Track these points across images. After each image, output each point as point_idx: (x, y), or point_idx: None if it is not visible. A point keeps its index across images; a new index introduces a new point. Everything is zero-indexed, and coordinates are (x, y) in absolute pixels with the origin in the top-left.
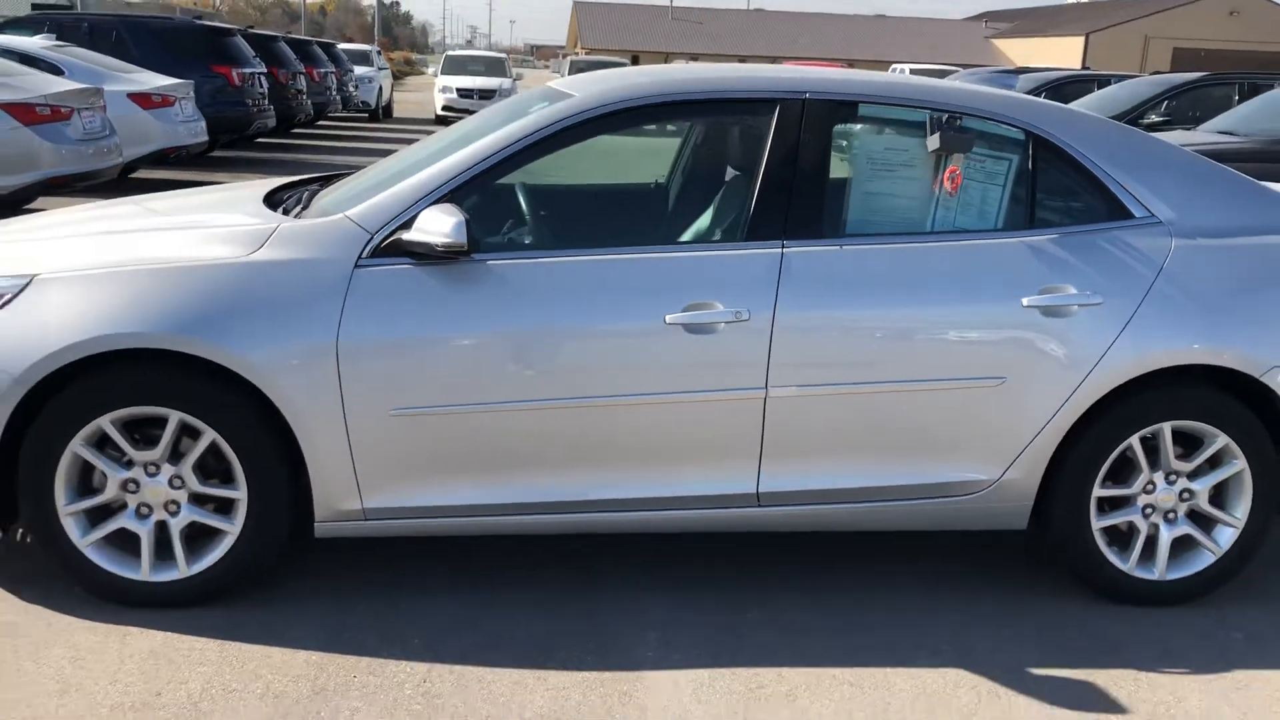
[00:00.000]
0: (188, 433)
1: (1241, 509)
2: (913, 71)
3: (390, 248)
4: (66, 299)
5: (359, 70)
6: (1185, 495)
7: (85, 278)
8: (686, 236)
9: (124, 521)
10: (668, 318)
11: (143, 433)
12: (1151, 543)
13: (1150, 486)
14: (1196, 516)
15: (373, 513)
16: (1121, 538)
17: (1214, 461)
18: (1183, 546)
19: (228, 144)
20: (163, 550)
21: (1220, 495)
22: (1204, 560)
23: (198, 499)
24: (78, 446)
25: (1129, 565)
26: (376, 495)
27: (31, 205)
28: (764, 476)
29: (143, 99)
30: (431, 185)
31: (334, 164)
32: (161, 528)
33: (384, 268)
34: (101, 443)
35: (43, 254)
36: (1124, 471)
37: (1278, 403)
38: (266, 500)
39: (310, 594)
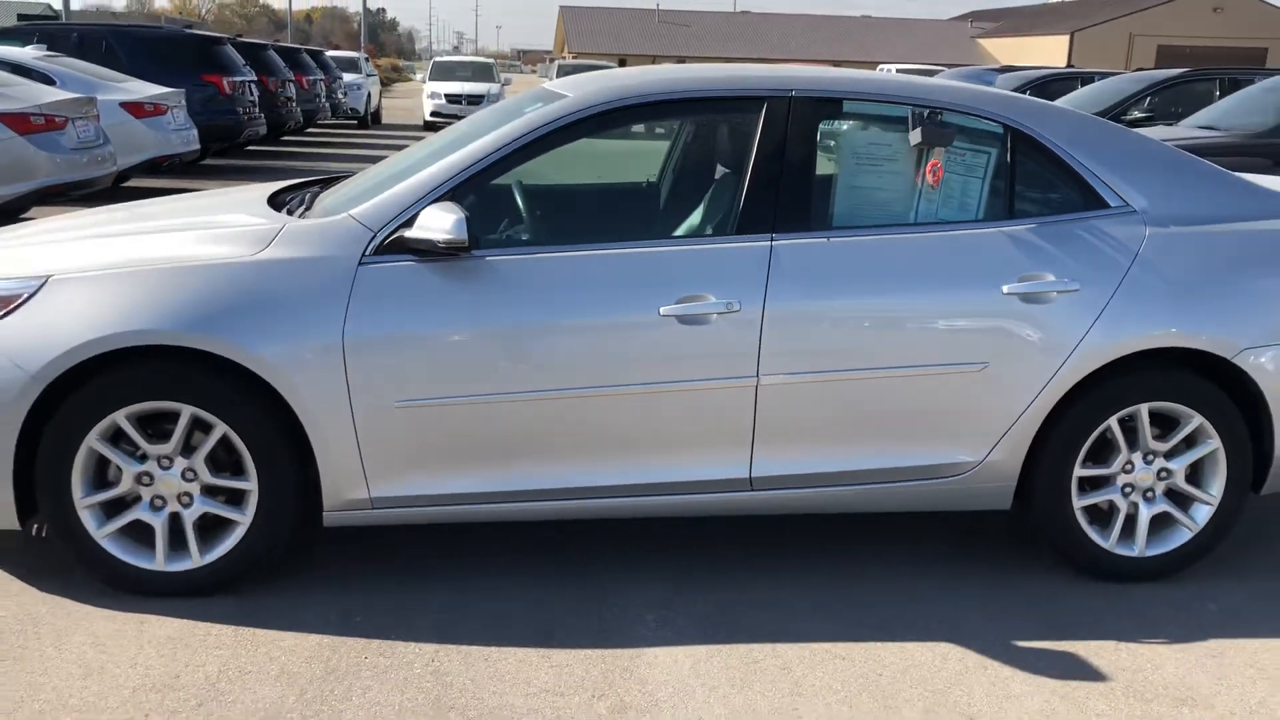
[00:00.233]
0: (199, 426)
1: (1216, 487)
2: (899, 71)
3: (393, 245)
4: (81, 298)
5: (347, 77)
6: (1163, 474)
7: (99, 278)
8: (679, 231)
9: (139, 513)
10: (662, 310)
11: (155, 427)
12: (1131, 520)
13: (1129, 466)
14: (1174, 495)
15: (379, 501)
16: (1102, 516)
17: (1190, 441)
18: (1161, 524)
19: (219, 152)
20: (176, 541)
21: (1196, 474)
22: (1181, 537)
23: (210, 491)
24: (94, 441)
25: (1109, 543)
26: (383, 485)
27: (26, 215)
28: (756, 462)
29: (135, 108)
30: (432, 184)
31: (325, 170)
32: (175, 519)
33: (387, 265)
34: (116, 437)
35: (56, 255)
36: (1103, 452)
37: (1249, 383)
38: (276, 491)
39: (319, 581)
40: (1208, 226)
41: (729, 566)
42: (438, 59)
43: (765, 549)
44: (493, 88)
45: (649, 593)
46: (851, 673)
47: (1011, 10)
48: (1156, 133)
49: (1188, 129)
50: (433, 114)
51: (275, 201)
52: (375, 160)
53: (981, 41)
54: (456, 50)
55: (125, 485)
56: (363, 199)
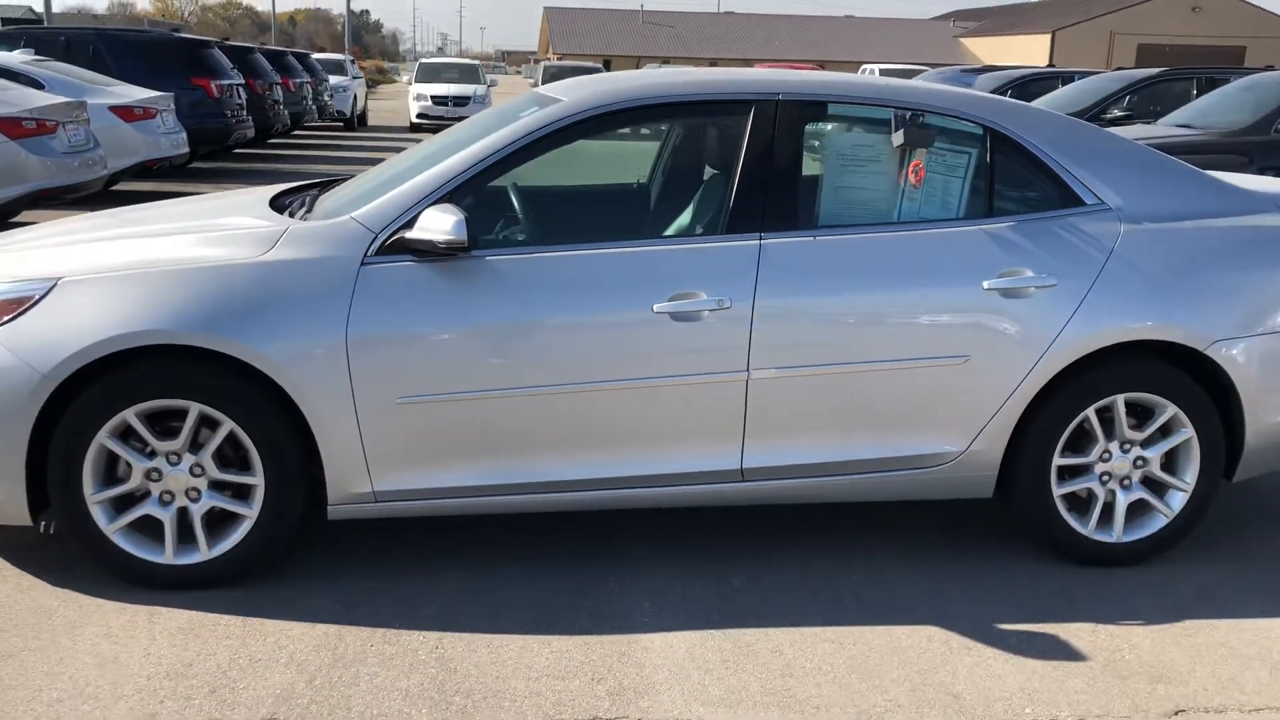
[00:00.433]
0: (206, 424)
1: (1191, 474)
2: (882, 72)
3: (394, 246)
4: (91, 300)
5: (333, 79)
6: (1139, 462)
7: (109, 279)
8: (671, 231)
9: (148, 508)
10: (655, 307)
11: (163, 424)
12: (1109, 507)
13: (1106, 455)
14: (1150, 482)
15: (382, 495)
16: (1081, 503)
17: (1164, 430)
18: (1138, 510)
19: (206, 155)
20: (185, 535)
21: (1171, 462)
22: (1157, 523)
23: (217, 485)
24: (104, 438)
25: (1088, 529)
26: (385, 479)
27: (16, 219)
28: (747, 453)
29: (125, 112)
30: (431, 187)
31: (313, 172)
32: (183, 513)
33: (388, 265)
34: (126, 434)
35: (66, 258)
36: (1082, 441)
37: (1221, 374)
38: (282, 485)
39: (324, 573)
40: (1180, 223)
41: (720, 556)
42: (423, 61)
43: (755, 539)
44: (479, 89)
45: (643, 581)
46: (841, 655)
47: (993, 9)
48: (1135, 131)
49: (1166, 127)
50: (419, 116)
51: (277, 204)
52: (362, 162)
53: (964, 41)
54: (441, 52)
55: (135, 481)
56: (362, 201)
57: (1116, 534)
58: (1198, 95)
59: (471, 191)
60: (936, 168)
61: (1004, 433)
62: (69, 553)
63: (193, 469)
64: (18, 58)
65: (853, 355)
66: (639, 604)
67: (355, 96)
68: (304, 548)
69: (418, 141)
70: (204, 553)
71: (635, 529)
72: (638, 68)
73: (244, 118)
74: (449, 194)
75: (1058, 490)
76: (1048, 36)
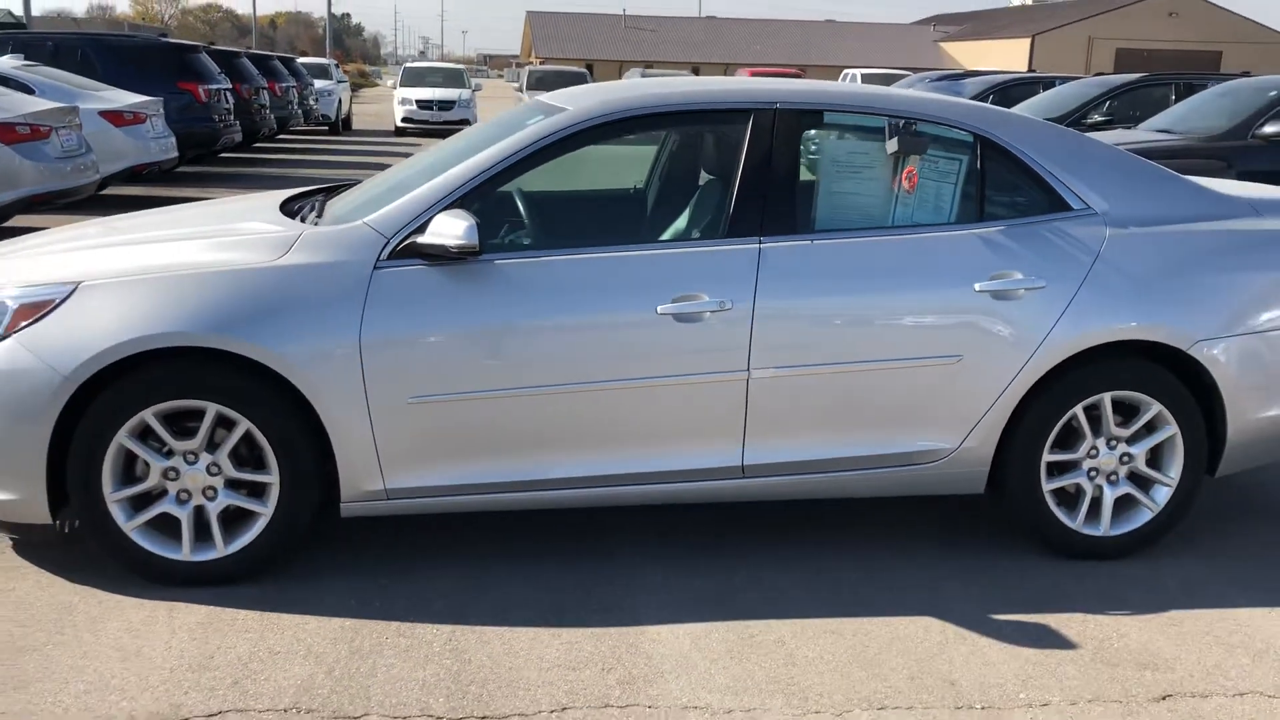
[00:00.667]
0: (222, 423)
1: (1175, 470)
2: (864, 76)
3: (405, 250)
4: (111, 303)
5: (319, 84)
6: (1125, 459)
7: (128, 283)
8: (673, 235)
9: (165, 506)
10: (659, 308)
11: (180, 425)
12: (1096, 502)
13: (1094, 451)
14: (1136, 478)
15: (394, 492)
16: (1069, 498)
17: (1150, 427)
18: (1124, 505)
19: (193, 159)
20: (201, 532)
21: (1156, 458)
22: (1143, 517)
23: (233, 484)
24: (123, 438)
25: (1077, 523)
26: (397, 476)
27: (9, 225)
28: (748, 450)
29: (115, 116)
30: (442, 193)
31: (300, 176)
32: (199, 511)
33: (400, 269)
34: (144, 434)
35: (84, 262)
36: (1070, 438)
37: (1203, 373)
38: (296, 483)
39: (338, 569)
40: (1163, 227)
41: (722, 552)
42: (408, 65)
43: (756, 535)
44: (463, 93)
45: (648, 576)
46: (842, 645)
47: (973, 14)
48: (1115, 136)
49: (1145, 132)
50: (404, 120)
51: (286, 209)
52: (348, 166)
53: (944, 45)
54: (423, 55)
55: (153, 480)
56: (371, 207)
57: (1104, 528)
58: (1176, 100)
59: (480, 197)
60: (929, 174)
61: (995, 430)
62: (86, 551)
63: (209, 468)
64: (8, 63)
65: (850, 355)
66: (642, 598)
67: (340, 101)
68: (315, 545)
69: (403, 145)
70: (220, 550)
71: (637, 526)
72: (620, 72)
73: (231, 122)
74: (459, 200)
75: (1047, 486)
76: (1027, 41)
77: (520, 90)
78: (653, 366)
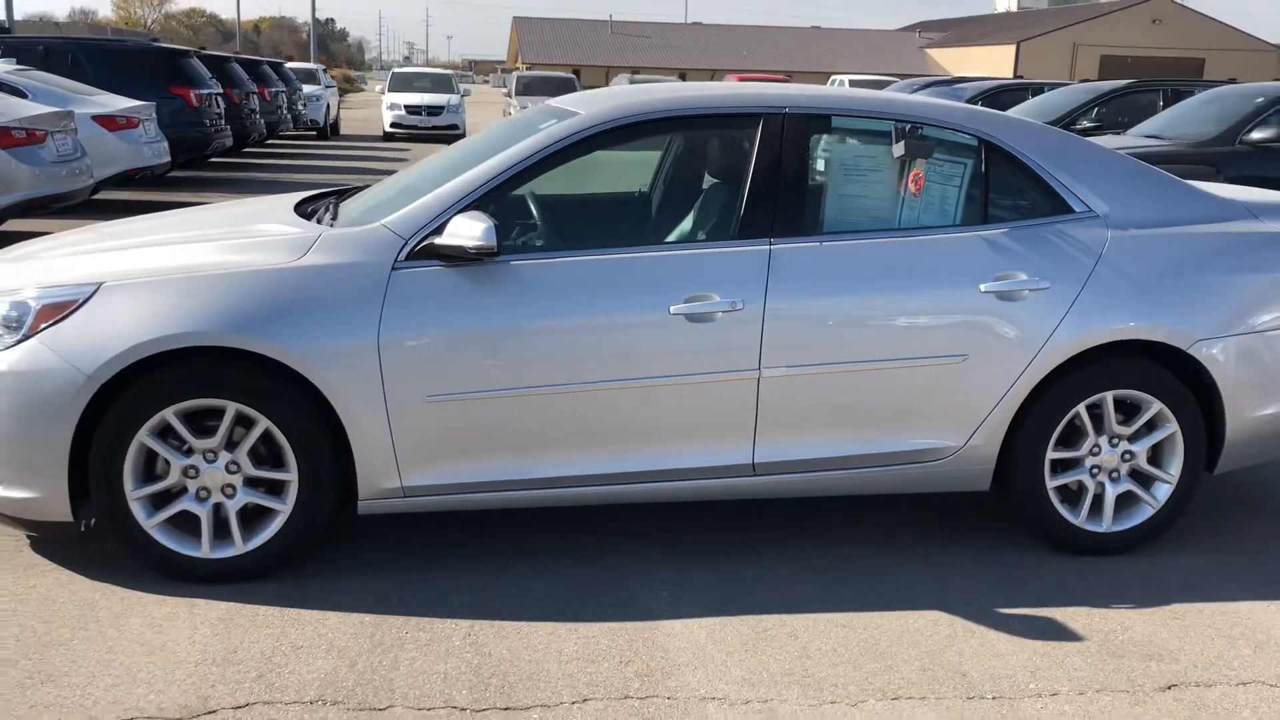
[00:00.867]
0: (241, 422)
1: (1175, 467)
2: (852, 82)
3: (423, 252)
4: (133, 303)
5: (307, 89)
6: (1126, 456)
7: (150, 284)
8: (684, 237)
9: (185, 504)
10: (672, 309)
11: (200, 423)
12: (1099, 499)
13: (1096, 449)
14: (1137, 475)
15: (410, 490)
16: (1072, 495)
17: (1150, 425)
18: (1126, 502)
19: (184, 164)
20: (220, 530)
21: (1157, 455)
22: (1144, 513)
23: (252, 482)
24: (144, 437)
25: (1080, 519)
26: (414, 474)
27: (5, 230)
28: (758, 448)
29: (108, 121)
30: (458, 195)
31: (290, 181)
32: (218, 509)
33: (418, 270)
34: (164, 433)
35: (105, 263)
36: (1073, 436)
37: (1203, 372)
38: (314, 481)
39: (355, 565)
40: (1164, 229)
41: (733, 548)
42: (396, 70)
43: (766, 533)
44: (452, 99)
45: (662, 572)
46: (853, 638)
47: (958, 21)
48: (1105, 142)
49: (1134, 138)
50: (393, 125)
51: (300, 211)
52: (338, 171)
53: (929, 52)
54: (408, 61)
55: (173, 478)
56: (384, 209)
57: (1106, 524)
58: (1164, 107)
59: (495, 200)
60: (935, 177)
61: (1000, 428)
62: (103, 548)
63: (228, 466)
64: (1, 67)
65: (858, 354)
66: (657, 594)
67: (328, 106)
68: (332, 543)
69: (392, 150)
70: (239, 547)
71: (648, 524)
72: (606, 78)
73: (222, 127)
74: (475, 202)
75: (1051, 483)
76: (1012, 48)
77: (509, 95)
78: (665, 366)
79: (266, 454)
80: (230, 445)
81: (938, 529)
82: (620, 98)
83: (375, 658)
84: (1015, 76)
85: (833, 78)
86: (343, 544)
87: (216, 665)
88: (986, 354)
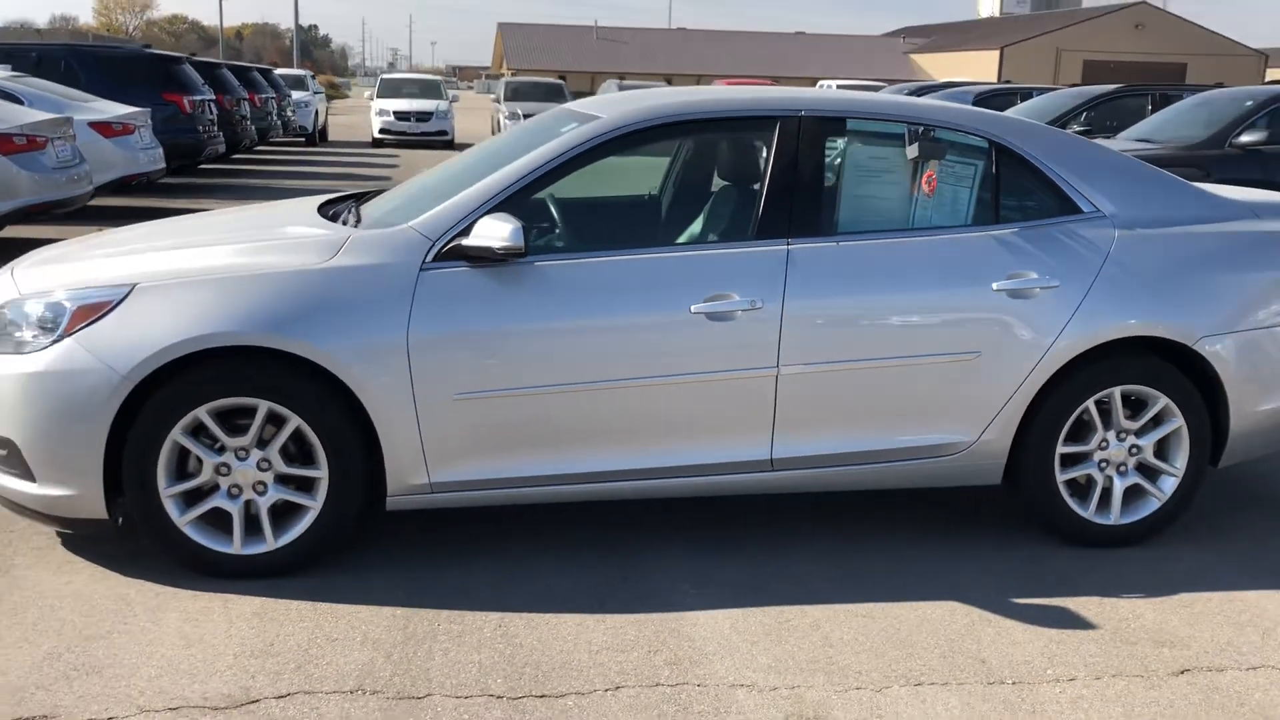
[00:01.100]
0: (272, 420)
1: (1181, 460)
2: (839, 87)
3: (450, 253)
4: (167, 304)
5: (295, 95)
6: (1134, 450)
7: (183, 285)
8: (704, 238)
9: (217, 501)
10: (692, 308)
11: (231, 422)
12: (1107, 492)
13: (1104, 443)
14: (1144, 468)
15: (438, 486)
16: (1081, 489)
17: (1157, 420)
18: (1133, 495)
19: (176, 170)
20: (252, 526)
21: (1163, 449)
22: (1151, 506)
23: (282, 479)
24: (178, 435)
25: (1089, 512)
26: (442, 470)
27: (6, 236)
28: (777, 444)
29: (104, 127)
30: (484, 197)
31: (284, 187)
32: (250, 506)
33: (445, 270)
34: (196, 431)
35: (138, 265)
36: (1082, 431)
37: (1207, 368)
38: (344, 478)
39: (383, 561)
40: (1169, 229)
41: (753, 543)
42: (384, 76)
43: (784, 528)
44: (441, 105)
45: (684, 566)
46: (874, 627)
47: (942, 26)
48: None
49: (1125, 142)
50: (381, 131)
51: (324, 214)
52: (328, 177)
53: (913, 57)
54: (392, 67)
55: (205, 475)
56: (405, 210)
57: (1114, 517)
58: (1153, 111)
59: (521, 202)
60: (947, 178)
61: (1012, 423)
62: (134, 545)
63: (260, 464)
64: None
65: (874, 352)
66: (680, 587)
67: (317, 112)
68: (360, 539)
69: (381, 156)
70: (270, 543)
71: (668, 520)
72: (592, 83)
73: (215, 133)
74: (501, 204)
75: (1061, 476)
76: (996, 53)
77: (498, 101)
78: (686, 364)
79: (297, 452)
80: (261, 443)
81: (950, 523)
82: (640, 101)
83: (410, 649)
84: (1003, 81)
85: (820, 83)
86: (370, 540)
87: (255, 657)
88: (999, 351)
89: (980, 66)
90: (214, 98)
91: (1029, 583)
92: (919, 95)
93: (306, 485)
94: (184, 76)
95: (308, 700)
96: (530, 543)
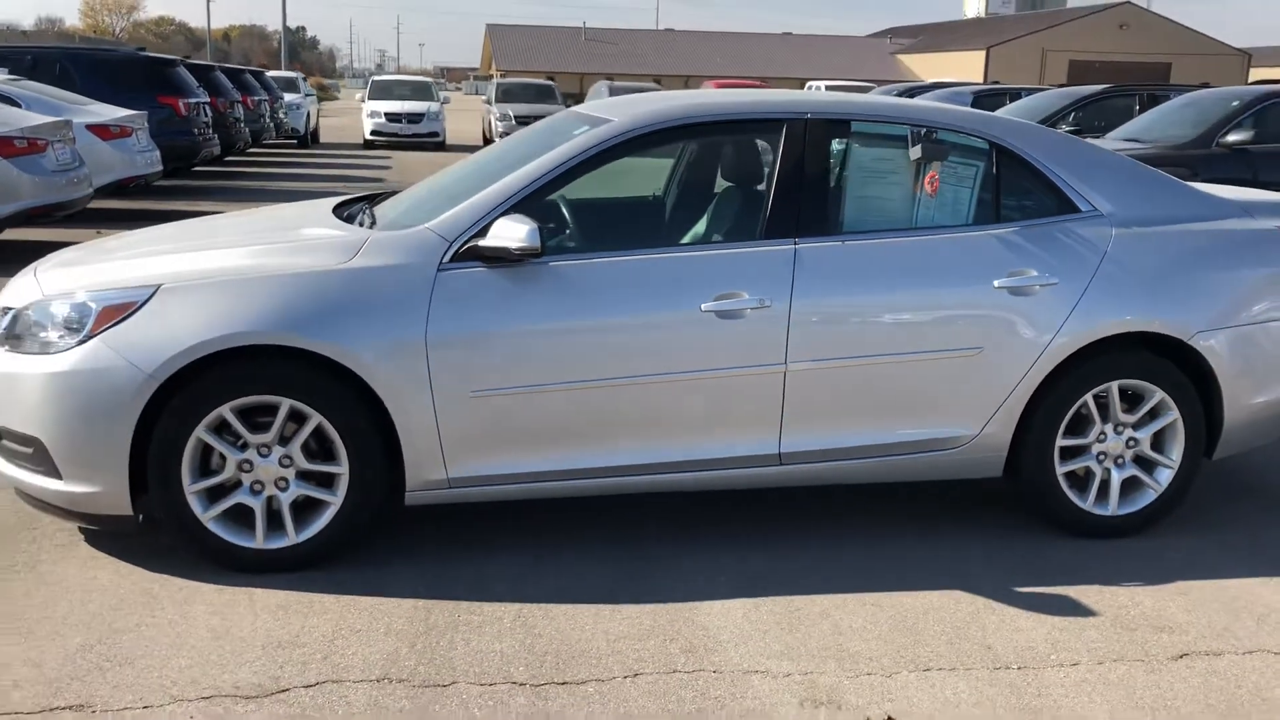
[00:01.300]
0: (293, 417)
1: (1176, 452)
2: (828, 88)
3: (466, 254)
4: (192, 304)
5: (288, 97)
6: (1131, 443)
7: (207, 286)
8: (713, 238)
9: (240, 497)
10: (703, 306)
11: (253, 419)
12: (1105, 484)
13: (1102, 436)
14: (1141, 460)
15: (456, 481)
16: (1080, 481)
17: (1153, 413)
18: (1130, 486)
19: (170, 173)
20: (273, 521)
21: (1159, 442)
22: (1147, 497)
23: (304, 475)
24: (202, 432)
25: (1087, 504)
26: (459, 466)
27: (6, 239)
28: (785, 439)
29: (102, 130)
30: (500, 199)
31: (280, 190)
32: (271, 501)
33: (462, 270)
34: (219, 428)
35: (162, 266)
36: (1080, 424)
37: (1202, 362)
38: (364, 474)
39: (402, 555)
40: (1165, 227)
41: (763, 536)
42: (376, 78)
43: (792, 521)
44: (432, 106)
45: (695, 558)
46: (882, 615)
47: (928, 26)
48: None
49: (1113, 141)
50: (373, 132)
51: (339, 215)
52: (322, 179)
53: (900, 57)
54: (380, 69)
55: (228, 472)
56: (419, 211)
57: (1112, 508)
58: (1140, 111)
59: (535, 203)
60: (949, 179)
61: (1013, 417)
62: (157, 542)
63: (282, 460)
64: None
65: (879, 348)
66: (691, 579)
67: (309, 114)
68: (378, 535)
69: (373, 157)
70: (291, 538)
71: (679, 514)
72: (581, 84)
73: (210, 135)
74: (516, 205)
75: (1060, 469)
76: (982, 53)
77: (489, 102)
78: (697, 361)
79: (318, 448)
80: (283, 440)
81: (953, 515)
82: (652, 104)
83: (432, 639)
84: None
85: (808, 84)
86: (388, 536)
87: (283, 648)
88: (1000, 346)
89: (966, 67)
90: (209, 100)
91: (1031, 572)
92: (909, 96)
93: (327, 481)
94: (179, 79)
95: (336, 689)
96: (545, 536)
